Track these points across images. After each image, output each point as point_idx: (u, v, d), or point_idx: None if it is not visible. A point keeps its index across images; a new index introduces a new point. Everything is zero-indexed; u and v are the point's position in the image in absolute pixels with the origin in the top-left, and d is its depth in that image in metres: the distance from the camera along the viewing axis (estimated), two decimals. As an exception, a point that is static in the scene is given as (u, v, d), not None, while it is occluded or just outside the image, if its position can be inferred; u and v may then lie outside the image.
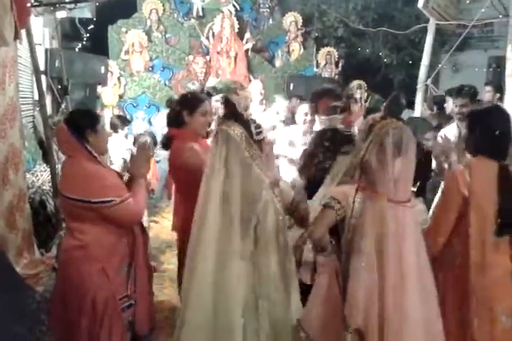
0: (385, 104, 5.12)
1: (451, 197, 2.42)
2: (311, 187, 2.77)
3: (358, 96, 6.91)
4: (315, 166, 2.89)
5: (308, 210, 2.40)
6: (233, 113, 2.37)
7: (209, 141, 3.47)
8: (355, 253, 2.05)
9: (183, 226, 2.87)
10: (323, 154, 2.89)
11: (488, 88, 5.02)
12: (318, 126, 4.49)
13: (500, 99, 4.84)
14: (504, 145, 2.45)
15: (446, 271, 2.43)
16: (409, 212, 2.09)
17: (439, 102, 4.77)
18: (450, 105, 4.29)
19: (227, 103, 2.45)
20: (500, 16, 6.15)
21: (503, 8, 6.20)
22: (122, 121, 6.23)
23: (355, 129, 3.06)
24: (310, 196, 2.68)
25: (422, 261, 2.08)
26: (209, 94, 5.74)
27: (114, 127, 6.09)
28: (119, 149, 5.32)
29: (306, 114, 4.32)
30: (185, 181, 2.80)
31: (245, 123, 2.27)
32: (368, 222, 2.04)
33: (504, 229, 2.36)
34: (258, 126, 2.32)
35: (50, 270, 3.54)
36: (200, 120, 2.97)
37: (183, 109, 2.92)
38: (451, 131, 3.86)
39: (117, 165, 4.98)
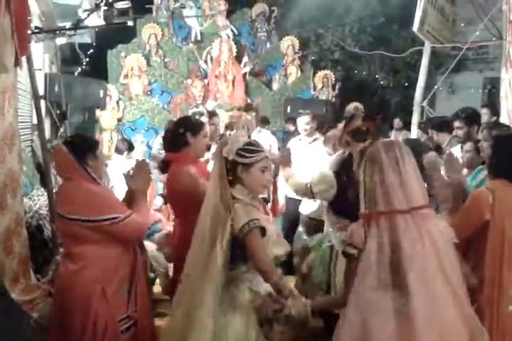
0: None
1: (471, 217, 2.46)
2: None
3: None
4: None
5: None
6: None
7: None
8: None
9: (179, 250, 2.87)
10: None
11: (485, 110, 5.06)
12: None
13: (497, 120, 4.87)
14: None
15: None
16: (432, 219, 1.92)
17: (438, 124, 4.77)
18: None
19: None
20: (494, 39, 6.25)
21: (496, 30, 6.31)
22: (128, 144, 6.37)
23: None
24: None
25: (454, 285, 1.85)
26: (214, 114, 5.84)
27: (119, 150, 6.20)
28: (119, 171, 5.37)
29: (307, 123, 4.54)
30: (183, 204, 2.82)
31: (225, 140, 2.31)
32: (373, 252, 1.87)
33: None
34: (246, 150, 2.25)
35: (46, 296, 3.49)
36: (203, 141, 3.05)
37: (187, 130, 2.94)
38: (456, 152, 3.88)
39: (118, 187, 5.00)
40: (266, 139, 5.63)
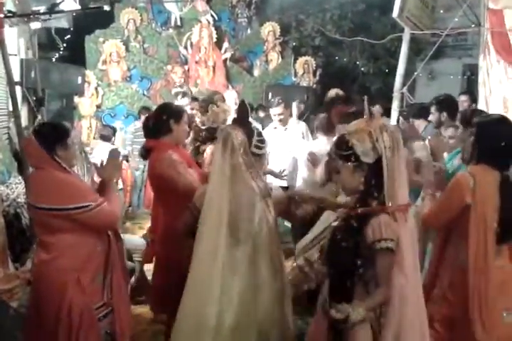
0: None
1: (452, 201, 2.48)
2: None
3: None
4: None
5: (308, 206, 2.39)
6: (243, 119, 2.36)
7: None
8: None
9: (163, 239, 2.85)
10: None
11: (464, 97, 5.09)
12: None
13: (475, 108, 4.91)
14: (509, 156, 2.52)
15: (452, 272, 2.48)
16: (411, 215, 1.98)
17: (415, 111, 4.79)
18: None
19: (241, 108, 2.41)
20: (473, 26, 6.27)
21: (475, 17, 6.33)
22: (113, 131, 6.45)
23: None
24: None
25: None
26: (195, 99, 5.77)
27: (105, 137, 6.19)
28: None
29: (280, 114, 4.65)
30: (164, 191, 2.80)
31: (250, 132, 2.28)
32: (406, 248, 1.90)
33: (504, 238, 2.43)
34: (262, 141, 2.32)
35: (25, 284, 3.46)
36: (185, 128, 3.05)
37: (171, 117, 2.92)
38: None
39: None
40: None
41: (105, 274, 2.43)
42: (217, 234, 2.15)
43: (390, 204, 1.90)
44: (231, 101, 6.16)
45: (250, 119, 2.63)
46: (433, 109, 4.07)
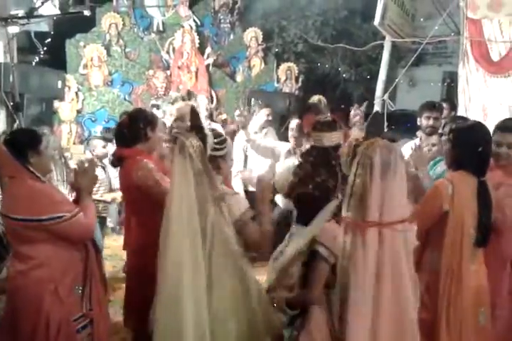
0: (365, 124, 5.23)
1: (431, 209, 2.50)
2: (302, 206, 2.64)
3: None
4: (315, 184, 2.70)
5: (259, 234, 2.23)
6: (195, 125, 2.30)
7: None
8: (351, 297, 1.86)
9: (138, 252, 2.76)
10: (327, 173, 2.72)
11: (444, 105, 5.16)
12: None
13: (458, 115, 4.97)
14: (485, 161, 2.55)
15: (428, 276, 2.49)
16: (400, 234, 1.90)
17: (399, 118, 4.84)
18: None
19: (192, 114, 2.36)
20: (452, 34, 6.37)
21: (454, 25, 6.44)
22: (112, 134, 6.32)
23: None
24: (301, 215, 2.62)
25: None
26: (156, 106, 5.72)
27: (107, 139, 6.12)
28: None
29: (292, 129, 4.41)
30: (139, 201, 2.74)
31: (203, 136, 2.22)
32: (361, 260, 1.86)
33: (480, 242, 2.48)
34: (220, 142, 2.27)
35: (1, 293, 3.39)
36: (159, 135, 2.98)
37: (148, 124, 2.86)
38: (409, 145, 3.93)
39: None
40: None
41: (84, 285, 2.39)
42: (181, 241, 2.08)
43: (345, 216, 1.90)
44: (203, 106, 6.15)
45: (206, 123, 2.60)
46: (437, 114, 4.06)
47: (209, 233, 2.09)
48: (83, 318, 2.38)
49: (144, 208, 2.70)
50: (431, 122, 3.85)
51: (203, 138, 2.21)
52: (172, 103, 5.99)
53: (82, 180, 2.49)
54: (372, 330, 1.84)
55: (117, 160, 2.87)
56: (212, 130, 2.40)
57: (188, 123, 2.29)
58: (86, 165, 2.54)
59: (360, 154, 1.91)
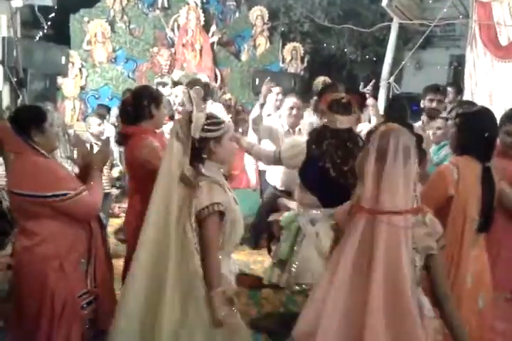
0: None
1: (436, 193, 2.48)
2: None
3: None
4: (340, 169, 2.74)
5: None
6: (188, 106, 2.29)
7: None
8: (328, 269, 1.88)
9: (136, 225, 2.76)
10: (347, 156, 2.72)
11: (450, 89, 5.13)
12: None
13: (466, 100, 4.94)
14: (491, 147, 2.54)
15: None
16: (395, 230, 1.77)
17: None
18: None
19: (187, 95, 2.31)
20: (461, 17, 6.29)
21: (463, 8, 6.35)
22: (107, 109, 6.60)
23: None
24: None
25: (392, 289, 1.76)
26: (178, 83, 5.69)
27: (102, 116, 6.14)
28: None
29: (291, 108, 4.27)
30: (143, 179, 2.75)
31: (190, 117, 2.19)
32: (348, 240, 1.83)
33: (483, 228, 2.48)
34: (213, 123, 2.22)
35: (5, 269, 3.43)
36: (164, 112, 2.98)
37: (152, 102, 2.85)
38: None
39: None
40: (218, 112, 5.52)
41: (88, 261, 2.40)
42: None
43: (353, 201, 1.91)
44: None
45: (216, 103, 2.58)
46: (450, 90, 4.00)
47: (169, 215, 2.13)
48: (88, 295, 2.39)
49: (147, 186, 2.71)
50: (434, 104, 3.86)
51: (187, 119, 2.20)
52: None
53: (97, 157, 2.48)
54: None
55: (123, 138, 2.87)
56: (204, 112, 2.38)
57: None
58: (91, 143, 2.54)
59: (370, 140, 1.89)
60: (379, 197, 1.78)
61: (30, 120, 2.32)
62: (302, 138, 3.04)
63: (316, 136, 2.87)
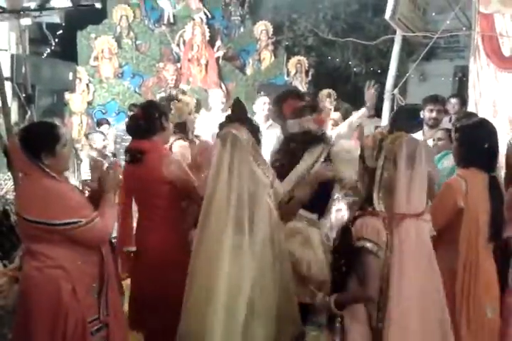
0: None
1: (446, 206, 2.49)
2: None
3: (328, 105, 6.98)
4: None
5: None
6: (241, 116, 2.32)
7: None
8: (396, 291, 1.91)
9: (157, 247, 2.71)
10: (283, 155, 2.76)
11: (454, 100, 5.14)
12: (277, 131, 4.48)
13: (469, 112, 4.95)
14: (494, 157, 2.57)
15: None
16: (427, 225, 2.04)
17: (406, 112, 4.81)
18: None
19: (236, 106, 2.36)
20: (464, 28, 6.32)
21: (466, 19, 6.38)
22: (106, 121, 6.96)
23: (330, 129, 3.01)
24: None
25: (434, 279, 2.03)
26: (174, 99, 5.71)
27: (101, 124, 6.59)
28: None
29: (264, 103, 4.51)
30: (167, 195, 2.70)
31: (254, 128, 2.29)
32: (406, 255, 1.94)
33: (492, 239, 2.49)
34: (261, 133, 2.37)
35: (13, 282, 3.44)
36: (171, 126, 2.98)
37: (162, 114, 2.85)
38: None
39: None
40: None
41: (100, 288, 2.31)
42: (223, 230, 2.15)
43: (380, 210, 1.95)
44: (218, 99, 6.07)
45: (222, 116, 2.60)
46: (454, 101, 4.02)
47: (260, 220, 2.16)
48: (98, 321, 2.30)
49: (171, 202, 2.69)
50: (434, 114, 3.93)
51: (253, 130, 2.26)
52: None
53: (107, 181, 2.36)
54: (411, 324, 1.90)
55: (139, 154, 2.77)
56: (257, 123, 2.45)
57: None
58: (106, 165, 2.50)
59: (386, 148, 1.98)
60: (410, 201, 1.94)
61: (41, 143, 2.18)
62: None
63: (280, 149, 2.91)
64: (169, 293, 2.46)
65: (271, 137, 4.33)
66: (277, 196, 2.33)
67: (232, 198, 2.12)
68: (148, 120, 2.83)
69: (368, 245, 1.90)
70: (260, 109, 5.11)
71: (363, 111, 3.96)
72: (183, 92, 4.79)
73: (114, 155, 6.48)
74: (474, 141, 2.54)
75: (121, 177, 2.65)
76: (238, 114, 2.34)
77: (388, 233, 1.94)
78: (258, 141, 2.28)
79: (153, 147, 2.78)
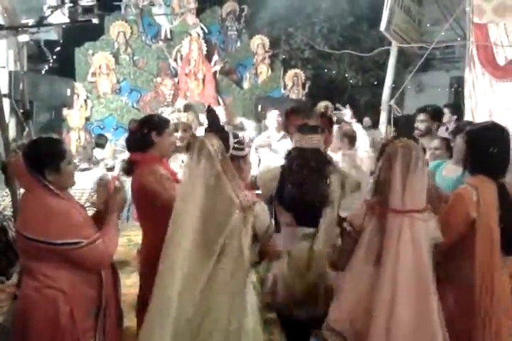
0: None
1: (457, 218, 2.35)
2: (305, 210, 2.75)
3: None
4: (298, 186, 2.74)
5: (273, 247, 2.35)
6: (214, 125, 2.28)
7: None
8: (352, 263, 2.19)
9: (148, 255, 2.71)
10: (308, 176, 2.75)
11: (446, 110, 5.16)
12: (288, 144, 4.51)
13: (459, 119, 4.96)
14: (504, 163, 2.42)
15: (458, 293, 2.36)
16: (418, 223, 2.11)
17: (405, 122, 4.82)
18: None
19: (210, 114, 2.32)
20: (459, 39, 6.38)
21: (461, 30, 6.44)
22: (104, 140, 6.91)
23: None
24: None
25: (423, 275, 2.10)
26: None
27: (101, 145, 6.46)
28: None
29: (278, 116, 4.58)
30: (148, 207, 2.74)
31: (225, 136, 2.21)
32: (367, 235, 2.17)
33: (508, 248, 2.34)
34: (240, 142, 2.28)
35: (11, 299, 3.41)
36: (169, 140, 2.96)
37: (152, 129, 2.87)
38: None
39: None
40: None
41: (98, 312, 2.23)
42: (186, 246, 2.07)
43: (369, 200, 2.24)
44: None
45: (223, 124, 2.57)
46: (425, 117, 4.03)
47: (224, 237, 2.07)
48: None
49: (151, 214, 2.69)
50: (424, 124, 3.98)
51: (223, 137, 2.20)
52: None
53: (112, 202, 2.32)
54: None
55: (131, 166, 2.82)
56: (230, 131, 2.39)
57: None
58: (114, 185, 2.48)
59: (385, 153, 2.18)
60: (404, 199, 2.10)
61: (46, 159, 2.14)
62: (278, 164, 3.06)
63: (287, 156, 2.91)
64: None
65: (283, 147, 4.34)
66: (261, 224, 2.18)
67: (196, 215, 2.07)
68: (137, 135, 2.86)
69: (349, 229, 2.25)
70: (273, 120, 5.15)
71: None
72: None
73: (112, 169, 6.48)
74: (482, 145, 2.38)
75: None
76: (210, 123, 2.32)
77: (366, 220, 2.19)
78: (227, 149, 2.19)
79: (143, 159, 2.79)
